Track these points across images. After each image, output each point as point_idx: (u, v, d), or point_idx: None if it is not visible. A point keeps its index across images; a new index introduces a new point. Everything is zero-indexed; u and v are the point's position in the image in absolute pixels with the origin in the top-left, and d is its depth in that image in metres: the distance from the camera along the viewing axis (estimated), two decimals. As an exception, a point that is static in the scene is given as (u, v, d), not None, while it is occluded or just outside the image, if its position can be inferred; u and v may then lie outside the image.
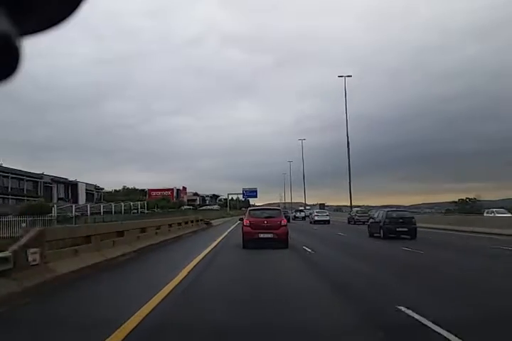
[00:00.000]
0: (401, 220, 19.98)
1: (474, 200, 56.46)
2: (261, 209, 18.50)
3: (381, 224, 20.40)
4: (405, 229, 19.77)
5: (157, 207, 61.64)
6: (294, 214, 61.51)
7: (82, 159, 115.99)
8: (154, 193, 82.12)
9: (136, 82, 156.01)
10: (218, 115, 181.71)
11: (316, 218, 44.89)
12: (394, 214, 20.49)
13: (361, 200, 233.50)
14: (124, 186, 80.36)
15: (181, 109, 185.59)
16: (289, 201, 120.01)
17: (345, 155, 51.56)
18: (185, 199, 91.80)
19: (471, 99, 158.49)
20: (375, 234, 21.17)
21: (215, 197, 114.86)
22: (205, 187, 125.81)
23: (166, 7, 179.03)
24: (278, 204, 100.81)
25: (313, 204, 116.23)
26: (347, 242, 19.35)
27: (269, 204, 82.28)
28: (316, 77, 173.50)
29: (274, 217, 15.64)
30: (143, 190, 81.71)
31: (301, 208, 78.42)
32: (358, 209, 49.57)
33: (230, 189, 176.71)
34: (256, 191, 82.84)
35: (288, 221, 39.61)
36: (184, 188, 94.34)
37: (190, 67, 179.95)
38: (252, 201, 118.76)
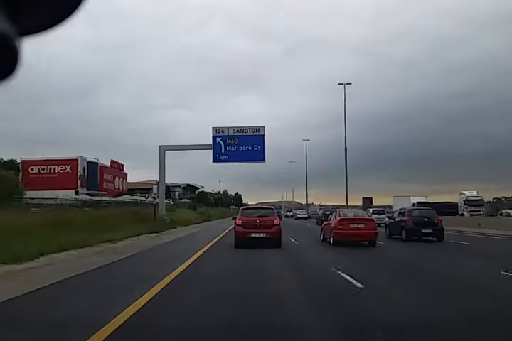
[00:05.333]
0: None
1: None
2: (254, 208, 18.62)
3: (319, 217, 36.60)
4: (332, 220, 36.02)
5: None
6: (285, 213, 77.97)
7: (74, 154, 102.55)
8: (34, 168, 43.43)
9: (131, 72, 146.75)
10: (219, 108, 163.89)
11: (298, 215, 62.32)
12: (327, 212, 36.63)
13: (359, 201, 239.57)
14: None
15: (179, 102, 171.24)
16: (289, 200, 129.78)
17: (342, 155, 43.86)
18: (117, 185, 52.82)
19: (480, 96, 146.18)
20: (319, 223, 37.19)
21: (190, 188, 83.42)
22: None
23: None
24: (273, 204, 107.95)
25: (309, 204, 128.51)
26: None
27: (262, 204, 76.27)
28: (322, 69, 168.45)
29: (267, 216, 15.67)
30: (12, 162, 45.04)
31: (289, 208, 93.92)
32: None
33: (230, 188, 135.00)
34: (263, 139, 31.61)
35: (280, 219, 54.51)
36: (116, 165, 52.46)
37: (190, 57, 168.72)
38: (245, 198, 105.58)
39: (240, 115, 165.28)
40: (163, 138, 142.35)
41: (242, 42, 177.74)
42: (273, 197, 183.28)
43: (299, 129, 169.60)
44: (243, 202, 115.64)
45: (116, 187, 51.94)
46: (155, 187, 58.66)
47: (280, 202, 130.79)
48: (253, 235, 14.98)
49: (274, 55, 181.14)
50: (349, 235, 16.19)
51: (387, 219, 24.55)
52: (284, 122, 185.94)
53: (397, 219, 20.65)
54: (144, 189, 58.90)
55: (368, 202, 67.43)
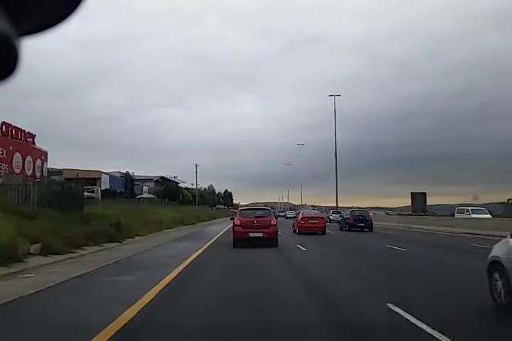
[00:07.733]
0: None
1: None
2: (251, 209, 19.37)
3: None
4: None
5: None
6: (278, 213, 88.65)
7: (63, 153, 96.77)
8: None
9: (122, 69, 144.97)
10: (214, 108, 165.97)
11: (288, 215, 73.25)
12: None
13: (351, 201, 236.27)
14: None
15: (173, 101, 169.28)
16: (284, 201, 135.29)
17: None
18: (21, 167, 28.50)
19: (478, 97, 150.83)
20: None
21: (166, 181, 68.72)
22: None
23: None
24: (265, 204, 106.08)
25: (302, 205, 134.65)
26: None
27: (255, 204, 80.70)
28: (322, 67, 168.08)
29: (264, 217, 16.49)
30: None
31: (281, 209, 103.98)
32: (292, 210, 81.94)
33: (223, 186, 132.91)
34: None
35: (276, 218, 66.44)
36: (17, 133, 28.22)
37: (184, 54, 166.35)
38: (236, 198, 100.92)
39: (236, 114, 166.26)
40: (154, 137, 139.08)
41: (238, 39, 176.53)
42: (266, 197, 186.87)
43: (295, 130, 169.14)
44: (234, 201, 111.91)
45: (17, 171, 29.04)
46: (105, 177, 47.83)
47: (272, 202, 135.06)
48: (251, 235, 15.84)
49: (270, 53, 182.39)
50: (307, 227, 26.23)
51: (340, 218, 34.96)
52: (281, 123, 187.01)
53: (344, 217, 31.01)
54: (89, 179, 42.65)
55: (420, 198, 48.13)
